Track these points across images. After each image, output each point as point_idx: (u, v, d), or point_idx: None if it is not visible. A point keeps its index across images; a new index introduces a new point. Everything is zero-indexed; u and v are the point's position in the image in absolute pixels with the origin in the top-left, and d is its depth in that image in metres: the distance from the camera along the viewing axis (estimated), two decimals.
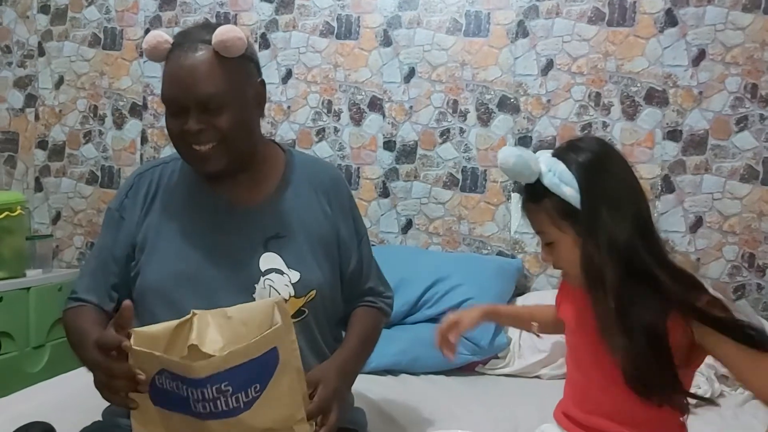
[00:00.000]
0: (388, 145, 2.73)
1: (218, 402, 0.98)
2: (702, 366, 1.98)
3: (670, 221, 2.47)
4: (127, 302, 1.06)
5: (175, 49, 1.27)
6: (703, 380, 1.95)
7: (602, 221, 1.11)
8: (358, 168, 2.76)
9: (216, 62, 1.24)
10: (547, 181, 1.13)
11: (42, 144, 3.08)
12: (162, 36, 1.28)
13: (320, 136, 2.79)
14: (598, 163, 1.16)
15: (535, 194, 1.15)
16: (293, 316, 1.26)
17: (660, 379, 1.08)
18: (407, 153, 2.71)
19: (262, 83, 1.36)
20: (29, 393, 1.84)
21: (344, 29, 2.75)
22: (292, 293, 1.30)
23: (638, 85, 2.50)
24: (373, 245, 2.72)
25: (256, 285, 1.29)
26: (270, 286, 1.29)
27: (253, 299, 1.27)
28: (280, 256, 1.31)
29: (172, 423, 1.03)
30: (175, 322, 1.05)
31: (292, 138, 2.81)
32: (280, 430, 1.04)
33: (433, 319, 2.28)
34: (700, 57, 2.45)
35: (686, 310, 1.07)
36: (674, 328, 1.08)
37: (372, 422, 1.73)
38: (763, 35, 2.40)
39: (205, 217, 1.34)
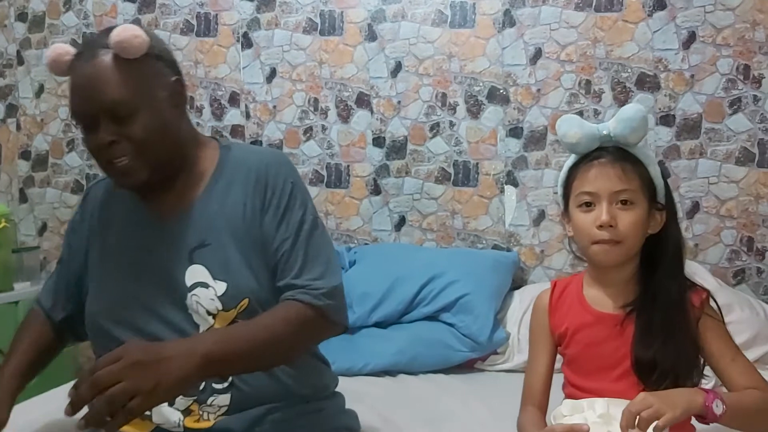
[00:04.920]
0: (378, 141, 2.69)
1: None
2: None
3: None
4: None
5: (75, 59, 1.20)
6: (706, 368, 1.92)
7: (674, 205, 1.26)
8: (348, 166, 2.72)
9: (118, 66, 1.16)
10: (642, 153, 1.22)
11: (25, 154, 3.02)
12: (63, 48, 1.21)
13: (308, 135, 2.74)
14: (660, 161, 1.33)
15: (631, 158, 1.21)
16: None
17: (686, 358, 1.15)
18: (397, 149, 2.67)
19: (179, 81, 1.26)
20: (20, 408, 1.79)
21: (328, 25, 2.70)
22: (220, 307, 1.20)
23: (629, 70, 2.46)
24: (366, 244, 2.73)
25: (186, 302, 1.21)
26: (197, 302, 1.21)
27: (190, 316, 1.21)
28: (206, 267, 1.22)
29: None
30: None
31: (280, 138, 2.76)
32: None
33: (430, 317, 2.25)
34: (690, 40, 2.42)
35: (708, 297, 1.18)
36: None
37: (371, 424, 1.70)
38: (754, 15, 2.36)
39: (136, 235, 1.28)
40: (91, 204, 1.36)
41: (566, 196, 1.25)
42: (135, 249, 1.27)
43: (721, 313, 1.22)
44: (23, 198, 3.03)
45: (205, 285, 1.21)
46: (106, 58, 1.16)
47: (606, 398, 1.12)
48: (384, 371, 2.14)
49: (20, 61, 3.00)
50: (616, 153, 1.20)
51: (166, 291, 1.22)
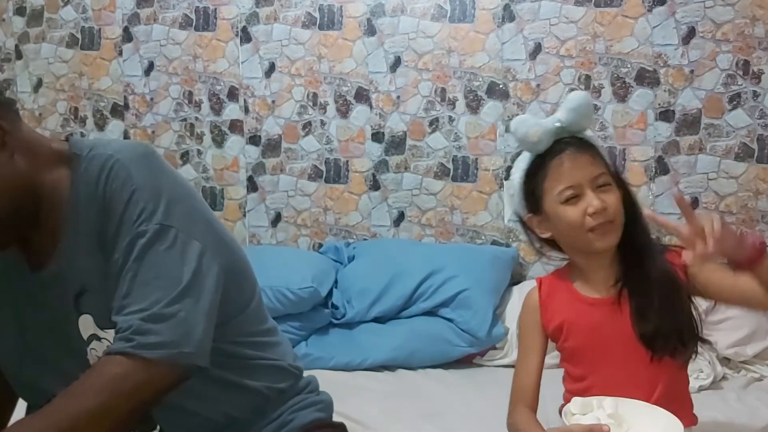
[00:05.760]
0: (377, 136, 2.68)
1: None
2: (703, 350, 1.98)
3: (665, 203, 2.44)
4: None
5: None
6: (705, 364, 1.93)
7: (621, 177, 1.27)
8: (347, 161, 2.71)
9: None
10: (591, 137, 1.25)
11: None
12: None
13: (307, 130, 2.74)
14: None
15: (587, 142, 1.22)
16: None
17: (680, 324, 1.17)
18: (396, 144, 2.67)
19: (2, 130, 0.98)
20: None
21: (327, 20, 2.70)
22: None
23: (628, 66, 2.46)
24: (365, 239, 2.72)
25: (87, 357, 1.04)
26: (96, 356, 1.03)
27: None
28: (92, 316, 1.02)
29: None
30: None
31: (278, 133, 2.76)
32: None
33: (429, 313, 2.25)
34: (690, 35, 2.41)
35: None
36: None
37: (370, 418, 1.71)
38: (754, 10, 2.36)
39: (10, 298, 1.07)
40: None
41: (536, 199, 1.23)
42: (19, 304, 1.07)
43: None
44: None
45: (97, 337, 1.03)
46: None
47: (614, 397, 1.13)
48: (383, 366, 2.14)
49: (18, 56, 2.99)
50: (576, 142, 1.21)
51: (63, 344, 1.05)
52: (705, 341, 1.23)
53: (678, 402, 1.20)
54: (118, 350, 0.92)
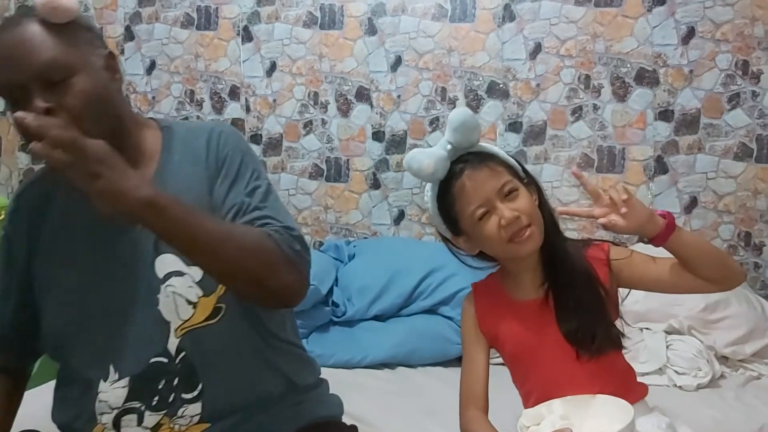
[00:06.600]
0: (377, 135, 2.69)
1: None
2: (702, 348, 1.99)
3: (664, 202, 2.45)
4: None
5: None
6: (703, 362, 1.94)
7: (533, 177, 1.26)
8: (348, 160, 2.72)
9: (47, 29, 1.05)
10: (483, 147, 1.24)
11: (25, 147, 3.02)
12: None
13: (308, 128, 2.75)
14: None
15: (481, 154, 1.22)
16: (210, 317, 1.13)
17: (600, 319, 1.18)
18: (397, 143, 2.68)
19: (112, 56, 1.15)
20: None
21: (328, 19, 2.71)
22: (201, 293, 1.12)
23: (628, 65, 2.47)
24: (365, 237, 2.73)
25: (158, 296, 1.12)
26: (173, 293, 1.12)
27: (159, 312, 1.12)
28: (175, 255, 1.12)
29: None
30: None
31: (279, 132, 2.77)
32: None
33: (429, 311, 2.26)
34: (689, 35, 2.42)
35: (609, 247, 1.21)
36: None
37: (370, 416, 1.71)
38: (753, 10, 2.37)
39: (89, 237, 1.15)
40: (25, 214, 1.21)
41: (453, 222, 1.23)
42: (90, 251, 1.15)
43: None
44: None
45: (180, 273, 1.12)
46: (34, 24, 1.05)
47: (559, 398, 1.14)
48: (383, 364, 2.14)
49: None
50: (472, 158, 1.20)
51: (134, 288, 1.13)
52: (623, 335, 1.22)
53: (622, 383, 1.20)
54: (277, 240, 1.09)
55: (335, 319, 2.28)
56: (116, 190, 0.93)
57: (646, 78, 2.46)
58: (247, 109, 2.80)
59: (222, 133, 1.21)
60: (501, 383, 1.26)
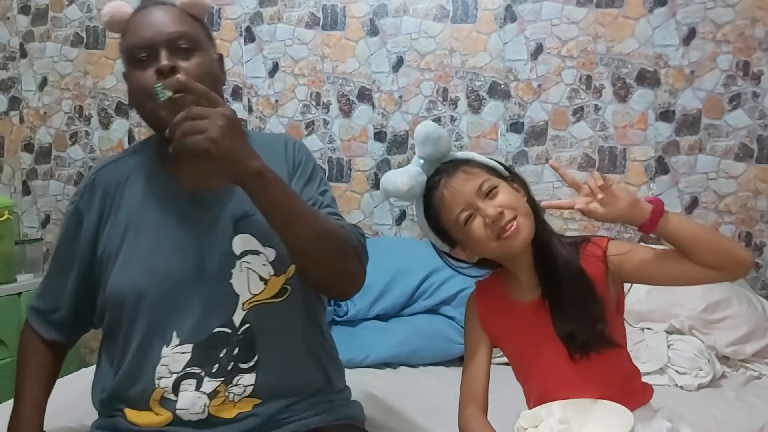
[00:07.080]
0: (379, 136, 2.70)
1: None
2: (703, 348, 1.99)
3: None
4: None
5: (137, 11, 1.26)
6: (704, 362, 1.94)
7: (520, 176, 1.27)
8: (350, 160, 2.73)
9: (184, 13, 1.25)
10: (457, 154, 1.25)
11: (28, 147, 3.03)
12: (123, 5, 1.27)
13: (310, 129, 2.76)
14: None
15: (455, 160, 1.22)
16: (276, 296, 1.24)
17: (593, 317, 1.16)
18: (398, 143, 2.68)
19: (221, 57, 1.34)
20: None
21: (330, 20, 2.71)
22: (272, 272, 1.23)
23: (629, 66, 2.48)
24: (367, 237, 2.72)
25: (232, 270, 1.23)
26: (247, 268, 1.23)
27: (231, 285, 1.22)
28: (253, 236, 1.24)
29: None
30: None
31: (282, 132, 2.77)
32: None
33: (431, 310, 2.27)
34: (690, 36, 2.43)
35: (608, 243, 1.20)
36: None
37: (372, 416, 1.72)
38: (754, 11, 2.37)
39: (169, 210, 1.27)
40: (100, 188, 1.31)
41: (446, 233, 1.23)
42: (172, 226, 1.26)
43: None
44: (26, 190, 3.04)
45: (256, 252, 1.24)
46: (173, 7, 1.25)
47: (560, 401, 1.13)
48: (385, 363, 2.14)
49: (23, 54, 3.01)
50: (445, 167, 1.21)
51: (210, 262, 1.23)
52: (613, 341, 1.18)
53: (624, 385, 1.18)
54: (349, 231, 1.24)
55: (337, 319, 2.29)
56: (235, 156, 1.06)
57: (647, 79, 2.47)
58: (250, 110, 2.80)
59: (296, 143, 1.37)
60: (503, 382, 1.27)
